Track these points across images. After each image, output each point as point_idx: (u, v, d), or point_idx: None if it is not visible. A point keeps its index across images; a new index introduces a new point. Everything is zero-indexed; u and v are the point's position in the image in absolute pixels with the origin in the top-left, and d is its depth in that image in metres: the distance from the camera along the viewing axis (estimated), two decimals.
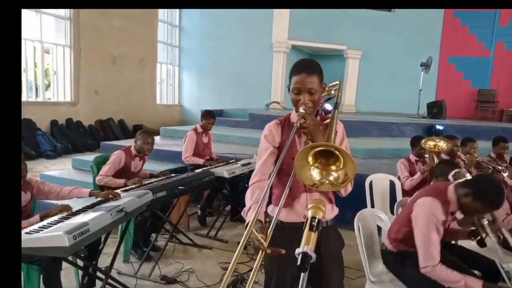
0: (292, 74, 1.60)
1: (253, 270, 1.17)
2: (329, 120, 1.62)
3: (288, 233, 1.57)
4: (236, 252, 1.18)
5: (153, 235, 3.75)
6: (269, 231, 1.31)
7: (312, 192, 1.63)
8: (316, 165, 1.34)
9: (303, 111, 1.51)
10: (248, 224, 1.31)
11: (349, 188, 1.59)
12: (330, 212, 1.72)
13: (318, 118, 1.66)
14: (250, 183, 1.66)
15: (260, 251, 1.25)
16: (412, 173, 3.75)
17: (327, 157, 1.33)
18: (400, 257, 2.25)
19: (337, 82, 1.78)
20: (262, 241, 1.25)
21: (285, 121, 1.71)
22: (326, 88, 1.71)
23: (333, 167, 1.32)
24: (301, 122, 1.47)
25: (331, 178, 1.32)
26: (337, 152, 1.29)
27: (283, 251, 1.26)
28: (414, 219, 2.13)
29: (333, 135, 1.40)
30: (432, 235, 2.03)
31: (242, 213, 1.58)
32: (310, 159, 1.32)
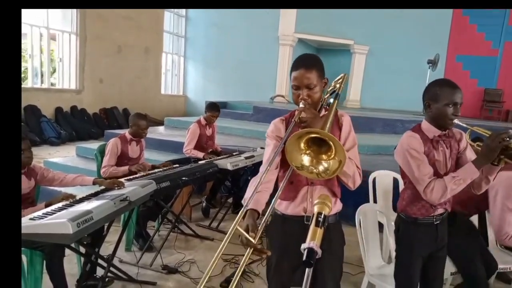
0: (291, 70, 1.62)
1: (239, 267, 1.16)
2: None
3: (288, 225, 1.60)
4: (220, 246, 1.18)
5: (155, 224, 3.77)
6: (259, 227, 1.31)
7: (314, 185, 1.63)
8: (308, 152, 1.36)
9: (303, 106, 1.54)
10: (240, 215, 1.32)
11: (358, 180, 1.59)
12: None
13: (322, 112, 1.65)
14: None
15: (248, 248, 1.24)
16: None
17: (319, 145, 1.35)
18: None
19: (342, 75, 1.79)
20: (251, 238, 1.25)
21: (290, 117, 1.71)
22: (332, 83, 1.70)
23: (324, 156, 1.35)
24: (300, 116, 1.49)
25: (321, 168, 1.35)
26: (327, 139, 1.30)
27: (269, 253, 1.28)
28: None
29: (328, 125, 1.40)
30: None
31: (242, 201, 1.58)
32: (302, 145, 1.35)
